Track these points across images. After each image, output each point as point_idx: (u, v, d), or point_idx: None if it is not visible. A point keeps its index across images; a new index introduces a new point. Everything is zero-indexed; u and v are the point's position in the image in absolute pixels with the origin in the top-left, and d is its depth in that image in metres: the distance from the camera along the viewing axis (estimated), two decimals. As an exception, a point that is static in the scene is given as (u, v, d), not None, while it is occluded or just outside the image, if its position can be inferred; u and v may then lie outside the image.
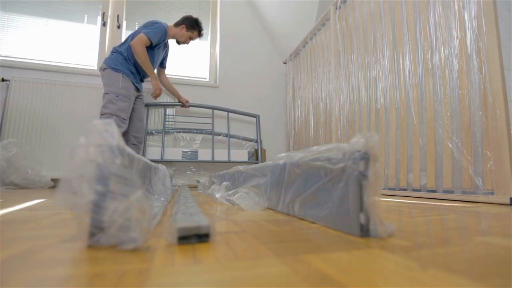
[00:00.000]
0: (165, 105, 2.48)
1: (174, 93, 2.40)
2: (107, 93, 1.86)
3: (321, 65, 2.18)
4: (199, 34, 2.22)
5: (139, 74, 2.05)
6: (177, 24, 2.16)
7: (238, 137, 2.64)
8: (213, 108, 2.57)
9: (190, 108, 2.54)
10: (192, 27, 2.16)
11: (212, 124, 2.54)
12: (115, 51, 1.98)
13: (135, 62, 1.97)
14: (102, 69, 1.94)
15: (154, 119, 2.47)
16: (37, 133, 2.16)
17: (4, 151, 1.87)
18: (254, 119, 2.75)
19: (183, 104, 2.44)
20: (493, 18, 1.01)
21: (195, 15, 2.24)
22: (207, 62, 2.90)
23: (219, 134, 2.57)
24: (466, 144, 1.08)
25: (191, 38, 2.20)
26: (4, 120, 2.12)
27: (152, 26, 1.97)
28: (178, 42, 2.22)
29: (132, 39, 1.95)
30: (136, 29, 2.02)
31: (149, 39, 1.93)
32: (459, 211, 0.75)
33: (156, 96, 2.14)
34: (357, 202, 0.42)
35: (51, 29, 2.46)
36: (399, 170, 1.39)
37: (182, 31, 2.15)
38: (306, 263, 0.28)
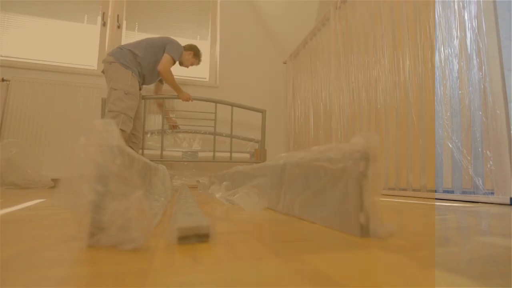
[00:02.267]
0: (165, 98, 2.38)
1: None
2: (115, 89, 1.77)
3: (321, 65, 2.18)
4: (199, 62, 2.39)
5: (143, 78, 2.06)
6: (185, 49, 2.25)
7: (238, 137, 2.63)
8: (216, 102, 2.48)
9: (191, 107, 2.53)
10: (197, 55, 2.31)
11: (215, 120, 2.47)
12: (125, 49, 1.91)
13: (144, 69, 1.99)
14: (108, 62, 1.85)
15: (154, 118, 2.47)
16: (37, 133, 2.16)
17: (4, 151, 1.87)
18: (254, 120, 2.74)
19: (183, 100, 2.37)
20: (493, 18, 1.01)
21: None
22: (207, 62, 2.90)
23: (220, 135, 2.56)
24: (466, 144, 1.08)
25: (192, 64, 2.34)
26: (4, 120, 2.12)
27: (177, 48, 2.08)
28: (181, 64, 2.31)
29: (149, 48, 1.98)
30: (156, 37, 2.09)
31: (174, 60, 2.05)
32: (459, 211, 0.75)
33: (189, 99, 2.28)
34: (357, 202, 0.42)
35: (51, 29, 2.46)
36: (399, 170, 1.39)
37: (190, 56, 2.27)
38: (306, 263, 0.28)
